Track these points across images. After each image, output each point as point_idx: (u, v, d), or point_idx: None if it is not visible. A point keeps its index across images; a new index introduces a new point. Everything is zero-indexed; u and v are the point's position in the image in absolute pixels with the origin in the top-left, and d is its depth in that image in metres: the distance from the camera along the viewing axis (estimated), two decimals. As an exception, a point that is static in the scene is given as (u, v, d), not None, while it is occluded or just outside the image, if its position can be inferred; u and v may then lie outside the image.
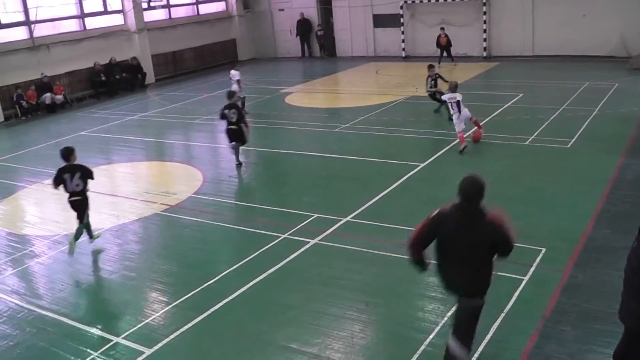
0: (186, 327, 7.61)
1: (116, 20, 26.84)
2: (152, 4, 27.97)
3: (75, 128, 19.83)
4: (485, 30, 26.83)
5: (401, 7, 28.42)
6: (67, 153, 10.07)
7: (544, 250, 8.71)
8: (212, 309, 7.95)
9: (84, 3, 25.29)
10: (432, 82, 17.32)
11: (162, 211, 11.76)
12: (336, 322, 7.46)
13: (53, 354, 7.35)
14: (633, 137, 13.77)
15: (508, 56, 26.33)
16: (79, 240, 10.04)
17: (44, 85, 23.06)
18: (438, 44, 26.05)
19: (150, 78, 27.61)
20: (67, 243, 10.10)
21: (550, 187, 11.29)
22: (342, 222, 10.33)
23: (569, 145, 13.56)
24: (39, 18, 23.46)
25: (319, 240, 9.72)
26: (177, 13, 30.15)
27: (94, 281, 9.16)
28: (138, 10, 26.96)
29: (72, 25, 25.13)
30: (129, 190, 13.42)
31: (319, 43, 31.70)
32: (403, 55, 28.84)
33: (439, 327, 7.12)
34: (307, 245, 9.56)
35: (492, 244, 5.67)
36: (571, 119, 15.65)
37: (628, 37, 23.67)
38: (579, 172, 12.05)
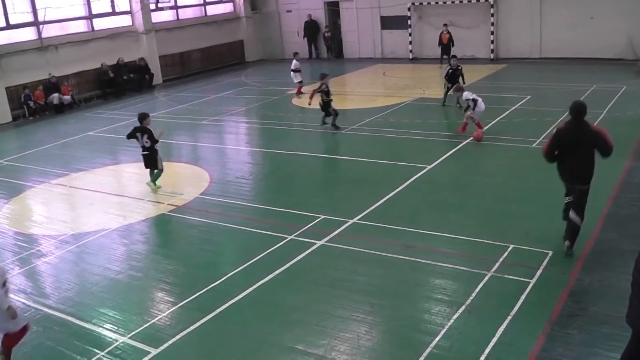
0: (192, 327, 7.62)
1: (124, 21, 26.93)
2: (159, 5, 28.04)
3: (83, 128, 19.91)
4: (492, 32, 26.79)
5: (409, 9, 28.41)
6: (142, 117, 13.01)
7: (551, 253, 8.68)
8: (218, 310, 7.96)
9: (92, 4, 25.39)
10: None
11: (169, 212, 11.78)
12: (342, 324, 7.45)
13: (59, 353, 7.37)
14: (641, 140, 13.73)
15: (515, 58, 26.27)
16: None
17: (51, 85, 23.16)
18: (440, 42, 26.00)
19: (157, 79, 27.69)
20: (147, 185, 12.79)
21: (558, 190, 11.19)
22: (348, 223, 10.33)
23: (576, 148, 13.49)
24: (47, 19, 23.57)
25: (326, 242, 9.71)
26: (185, 14, 30.22)
27: (101, 281, 9.17)
28: (146, 11, 27.05)
29: (80, 26, 25.23)
30: (136, 190, 13.45)
31: (326, 44, 31.72)
32: (410, 57, 28.83)
33: (445, 330, 7.10)
34: (314, 247, 9.56)
35: (596, 145, 8.35)
36: (579, 121, 15.55)
37: (636, 40, 23.58)
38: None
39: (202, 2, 30.96)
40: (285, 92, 23.15)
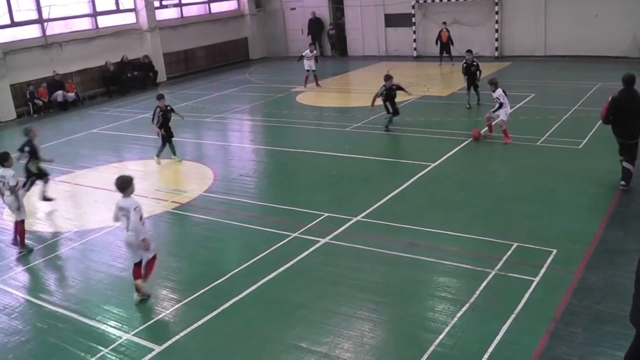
0: (196, 324, 7.63)
1: (128, 18, 26.97)
2: (164, 2, 28.10)
3: (87, 126, 19.94)
4: (497, 30, 26.73)
5: (413, 7, 28.35)
6: (160, 96, 14.77)
7: (555, 251, 8.67)
8: (222, 307, 7.97)
9: (96, 1, 25.43)
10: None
11: (172, 209, 11.80)
12: (346, 322, 7.46)
13: (64, 350, 7.40)
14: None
15: (520, 56, 26.20)
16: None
17: (56, 83, 23.21)
18: (439, 41, 25.89)
19: (161, 76, 27.71)
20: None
21: (562, 188, 11.23)
22: (352, 221, 10.33)
23: (580, 146, 13.49)
24: (51, 16, 23.62)
25: (330, 240, 9.72)
26: (189, 12, 30.25)
27: (105, 278, 9.19)
28: (150, 9, 27.07)
29: (85, 24, 25.29)
30: (140, 188, 13.35)
31: (330, 42, 31.70)
32: (414, 54, 28.77)
33: (449, 328, 7.09)
34: (318, 245, 9.57)
35: None
36: (583, 119, 15.55)
37: (641, 38, 23.51)
38: (590, 173, 11.97)
39: (206, -1, 31.01)
40: (290, 89, 23.15)
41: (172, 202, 12.14)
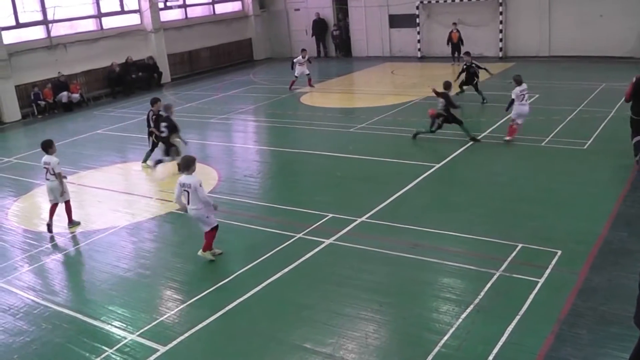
0: (201, 325, 7.64)
1: (133, 20, 27.02)
2: (168, 3, 28.13)
3: (92, 126, 19.98)
4: (501, 31, 26.70)
5: (417, 8, 28.35)
6: (154, 101, 15.05)
7: (559, 252, 8.65)
8: (227, 308, 7.98)
9: (101, 3, 25.50)
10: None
11: (177, 209, 11.78)
12: (350, 323, 7.46)
13: (68, 350, 7.41)
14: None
15: (524, 56, 26.17)
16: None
17: (60, 84, 23.26)
18: (450, 41, 25.99)
19: (166, 77, 27.76)
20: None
21: (567, 189, 11.21)
22: (357, 222, 10.33)
23: (585, 147, 13.46)
24: (56, 17, 23.69)
25: (334, 240, 9.72)
26: (194, 13, 30.29)
27: (110, 279, 9.21)
28: (154, 10, 27.12)
29: (89, 25, 25.35)
30: (145, 188, 13.50)
31: (334, 43, 31.71)
32: (419, 55, 28.77)
33: (453, 329, 7.09)
34: (322, 245, 9.57)
35: None
36: (588, 120, 15.53)
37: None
38: (595, 173, 11.96)
39: (210, 0, 31.03)
40: (294, 90, 23.15)
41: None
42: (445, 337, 6.95)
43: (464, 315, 7.35)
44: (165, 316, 7.97)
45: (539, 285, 7.86)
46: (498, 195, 11.31)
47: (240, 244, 10.24)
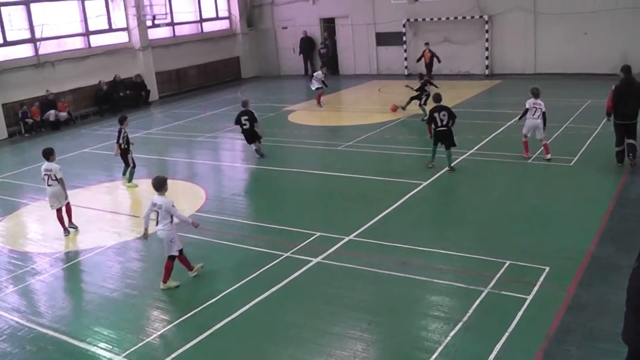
0: (188, 345, 7.56)
1: (121, 37, 27.03)
2: (156, 21, 28.15)
3: (79, 145, 19.88)
4: (487, 48, 26.93)
5: (404, 25, 28.56)
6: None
7: (547, 269, 8.66)
8: (214, 328, 7.91)
9: (89, 21, 25.49)
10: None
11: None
12: (339, 341, 7.41)
13: (53, 373, 7.31)
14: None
15: (510, 74, 26.38)
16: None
17: (48, 102, 23.17)
18: (421, 60, 26.19)
19: (154, 95, 27.74)
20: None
21: (554, 205, 11.26)
22: (344, 240, 10.30)
23: (571, 163, 13.54)
24: (44, 35, 23.63)
25: (322, 259, 9.68)
26: (181, 31, 30.34)
27: (96, 299, 9.11)
28: (142, 28, 27.14)
29: (77, 43, 25.32)
30: (132, 207, 13.40)
31: (321, 61, 31.80)
32: (406, 73, 28.91)
33: (442, 347, 7.06)
34: (310, 264, 9.53)
35: None
36: (574, 136, 15.65)
37: (630, 55, 23.68)
38: (582, 190, 12.02)
39: (198, 19, 31.10)
40: (281, 108, 23.19)
41: (163, 221, 12.05)
42: (434, 355, 6.91)
43: (452, 333, 7.33)
44: (152, 337, 7.89)
45: (527, 302, 7.85)
46: (485, 212, 11.33)
47: (227, 263, 10.17)
